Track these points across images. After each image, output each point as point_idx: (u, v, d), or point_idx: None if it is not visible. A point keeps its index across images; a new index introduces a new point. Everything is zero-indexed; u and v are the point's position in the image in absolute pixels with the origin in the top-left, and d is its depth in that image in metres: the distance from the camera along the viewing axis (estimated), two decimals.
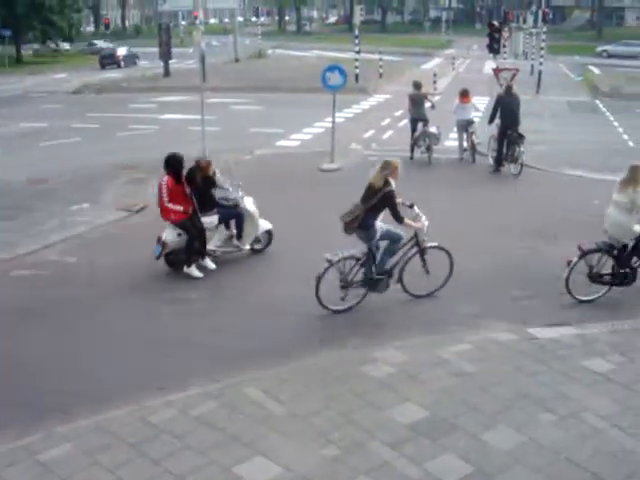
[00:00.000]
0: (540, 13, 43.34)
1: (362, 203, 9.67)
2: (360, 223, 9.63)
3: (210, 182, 11.78)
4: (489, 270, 11.34)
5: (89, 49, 68.07)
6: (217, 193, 12.02)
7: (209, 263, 11.62)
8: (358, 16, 40.88)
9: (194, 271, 11.31)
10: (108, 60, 55.75)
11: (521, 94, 19.44)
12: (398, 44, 72.06)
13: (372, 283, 9.98)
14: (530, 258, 11.88)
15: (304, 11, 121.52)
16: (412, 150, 19.78)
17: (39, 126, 27.08)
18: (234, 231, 12.09)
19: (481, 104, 25.24)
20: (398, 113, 27.58)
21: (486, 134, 19.43)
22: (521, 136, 17.94)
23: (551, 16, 55.23)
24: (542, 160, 19.43)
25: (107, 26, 70.21)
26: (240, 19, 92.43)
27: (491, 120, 18.47)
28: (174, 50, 46.46)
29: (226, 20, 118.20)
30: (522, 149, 17.83)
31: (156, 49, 45.58)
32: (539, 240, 12.79)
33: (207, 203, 11.73)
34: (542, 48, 39.36)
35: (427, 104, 19.83)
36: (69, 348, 8.86)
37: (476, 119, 20.16)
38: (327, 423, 6.76)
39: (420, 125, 19.64)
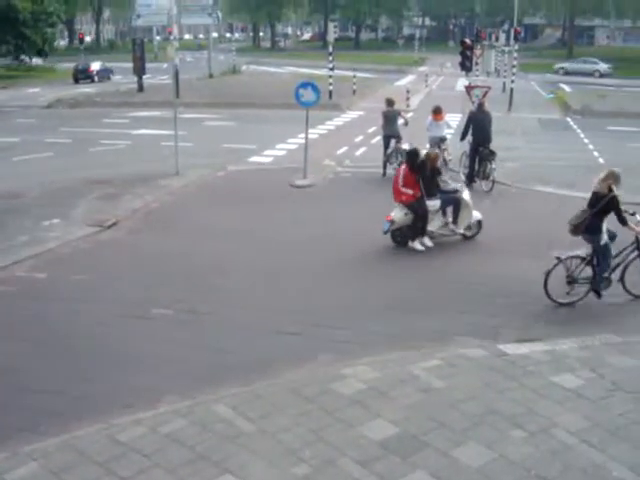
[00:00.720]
0: (512, 31, 43.77)
1: (589, 208, 10.56)
2: (586, 227, 10.52)
3: (437, 172, 13.82)
4: (461, 285, 11.39)
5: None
6: (441, 182, 13.92)
7: (428, 241, 13.36)
8: (332, 33, 41.08)
9: (417, 245, 13.22)
10: (82, 75, 55.50)
11: (493, 111, 19.62)
12: (372, 61, 72.46)
13: (596, 282, 10.75)
14: (502, 273, 11.92)
15: (278, 28, 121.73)
16: (384, 167, 19.85)
17: (11, 141, 26.88)
18: (449, 218, 13.93)
19: (453, 121, 25.39)
20: (371, 130, 27.68)
21: (458, 151, 19.55)
22: (492, 153, 18.08)
23: (523, 34, 55.81)
24: (513, 177, 19.57)
25: (81, 41, 69.47)
26: (214, 35, 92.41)
27: (463, 137, 18.62)
28: (148, 65, 46.36)
29: (200, 36, 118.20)
30: (494, 166, 17.97)
31: (130, 64, 45.45)
32: (511, 256, 12.86)
33: (432, 189, 13.59)
34: (514, 66, 39.76)
35: (400, 121, 19.92)
36: (37, 365, 8.75)
37: (448, 136, 20.28)
38: (297, 441, 6.73)
39: (393, 142, 19.72)
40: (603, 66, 65.29)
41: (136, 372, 8.53)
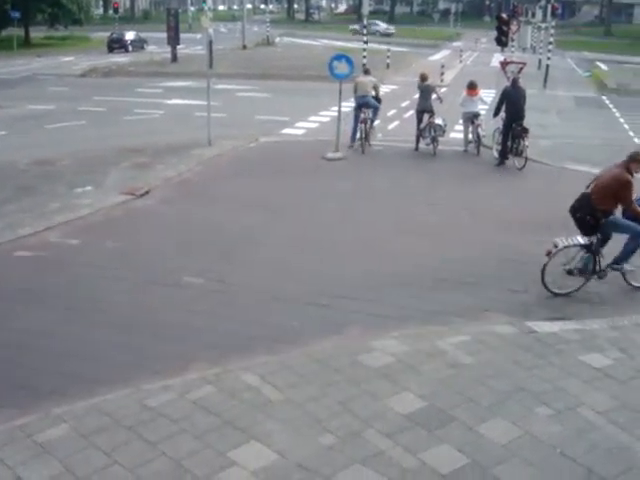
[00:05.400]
0: (549, 7, 43.20)
1: None
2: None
3: None
4: (491, 262, 11.34)
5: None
6: None
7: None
8: (367, 6, 40.68)
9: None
10: (116, 44, 55.65)
11: (528, 88, 19.44)
12: (406, 35, 71.88)
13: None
14: (533, 251, 11.81)
15: (313, 0, 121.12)
16: (417, 141, 19.77)
17: (46, 108, 27.08)
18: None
19: (488, 97, 25.14)
20: (404, 104, 27.54)
21: (491, 127, 19.39)
22: (526, 130, 17.89)
23: (560, 11, 54.98)
24: (546, 154, 19.40)
25: (116, 10, 69.84)
26: (248, 6, 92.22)
27: (496, 113, 18.44)
28: (182, 35, 46.43)
29: (235, 7, 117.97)
30: (527, 143, 17.78)
31: (164, 34, 45.51)
32: (542, 234, 12.73)
33: None
34: (550, 43, 39.27)
35: (433, 96, 19.78)
36: (68, 329, 8.84)
37: (482, 112, 20.11)
38: (324, 411, 6.76)
39: (426, 116, 19.61)
40: (382, 26, 77.83)
41: (165, 339, 8.59)
